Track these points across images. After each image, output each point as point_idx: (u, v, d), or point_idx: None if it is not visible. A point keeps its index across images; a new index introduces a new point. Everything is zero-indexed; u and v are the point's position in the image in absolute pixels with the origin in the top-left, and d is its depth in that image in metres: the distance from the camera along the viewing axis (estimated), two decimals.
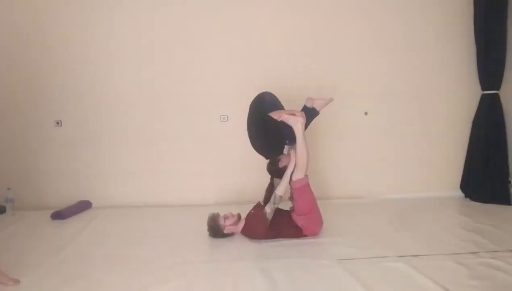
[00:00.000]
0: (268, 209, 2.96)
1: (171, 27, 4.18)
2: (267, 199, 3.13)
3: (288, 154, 3.15)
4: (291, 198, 3.12)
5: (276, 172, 3.15)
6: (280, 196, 2.98)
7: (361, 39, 4.29)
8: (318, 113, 3.33)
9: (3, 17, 4.12)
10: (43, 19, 4.13)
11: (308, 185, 3.06)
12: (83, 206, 4.06)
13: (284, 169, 3.07)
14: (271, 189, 3.16)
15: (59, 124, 4.20)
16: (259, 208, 3.11)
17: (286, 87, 4.16)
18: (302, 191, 3.02)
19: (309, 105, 3.31)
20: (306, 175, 3.05)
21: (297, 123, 2.99)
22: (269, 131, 3.08)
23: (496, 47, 4.10)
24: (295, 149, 3.05)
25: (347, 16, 4.27)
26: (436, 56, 4.33)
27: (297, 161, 3.02)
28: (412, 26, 4.30)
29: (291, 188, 3.07)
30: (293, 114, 3.01)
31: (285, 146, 3.20)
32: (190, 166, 4.28)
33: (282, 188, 3.01)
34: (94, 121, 4.22)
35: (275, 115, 3.04)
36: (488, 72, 4.17)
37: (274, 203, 2.97)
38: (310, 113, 3.26)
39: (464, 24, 4.27)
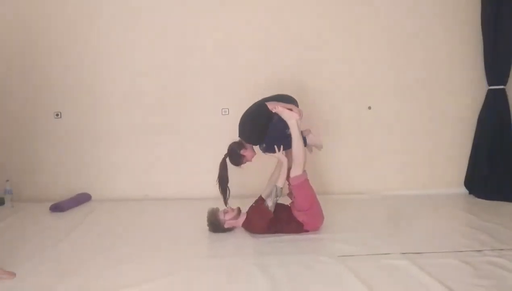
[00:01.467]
0: (270, 202, 2.94)
1: (171, 20, 4.12)
2: (221, 177, 3.06)
3: (252, 150, 3.09)
4: (290, 194, 3.08)
5: (233, 154, 3.07)
6: (281, 188, 2.96)
7: (365, 34, 4.21)
8: (305, 145, 3.18)
9: (3, 9, 4.07)
10: (43, 12, 4.08)
11: (306, 180, 3.01)
12: (82, 198, 4.03)
13: (242, 158, 3.04)
14: (224, 163, 3.08)
15: (59, 116, 4.17)
16: (260, 201, 3.08)
17: (289, 80, 4.12)
18: (301, 187, 2.97)
19: (304, 135, 3.18)
20: (304, 171, 3.00)
21: (291, 118, 2.94)
22: (260, 118, 3.02)
23: (503, 42, 4.03)
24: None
25: (351, 10, 4.19)
26: (441, 50, 4.24)
27: (294, 157, 2.98)
28: (417, 20, 4.21)
29: (289, 185, 3.02)
30: (290, 109, 2.96)
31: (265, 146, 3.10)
32: (191, 159, 4.24)
33: (281, 180, 2.98)
34: (94, 114, 4.18)
35: (271, 105, 2.98)
36: (495, 67, 4.09)
37: (276, 196, 2.94)
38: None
39: (471, 18, 4.19)
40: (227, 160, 3.10)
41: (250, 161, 3.13)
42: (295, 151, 2.97)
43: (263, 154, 3.12)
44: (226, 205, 3.11)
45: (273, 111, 2.98)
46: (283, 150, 3.05)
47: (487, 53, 4.12)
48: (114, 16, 4.12)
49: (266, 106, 3.01)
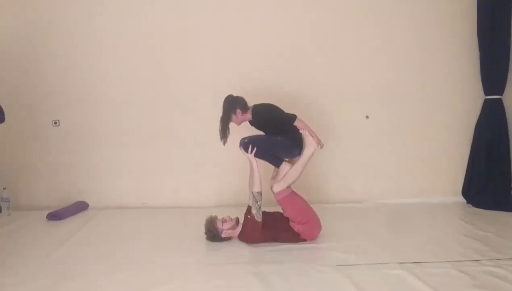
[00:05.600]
0: (254, 210, 2.92)
1: (170, 27, 4.14)
2: (224, 114, 3.15)
3: (244, 119, 3.18)
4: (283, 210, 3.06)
5: (233, 103, 3.15)
6: (257, 192, 2.94)
7: (364, 42, 4.24)
8: (277, 166, 3.23)
9: (2, 18, 4.10)
10: (42, 20, 4.11)
11: (290, 194, 2.99)
12: (80, 206, 4.02)
13: (233, 113, 3.13)
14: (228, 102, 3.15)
15: (57, 124, 4.17)
16: (249, 212, 3.06)
17: (287, 89, 4.14)
18: (286, 201, 2.96)
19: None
20: (288, 186, 3.00)
21: (310, 146, 3.03)
22: (281, 119, 3.10)
23: (499, 52, 4.07)
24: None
25: (349, 19, 4.23)
26: (439, 60, 4.28)
27: (287, 174, 3.00)
28: (415, 30, 4.25)
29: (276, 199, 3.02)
30: (312, 136, 3.05)
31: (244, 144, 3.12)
32: (190, 167, 4.24)
33: (255, 184, 2.97)
34: (92, 123, 4.19)
35: (300, 124, 3.08)
36: (492, 77, 4.12)
37: (256, 201, 2.92)
38: (276, 160, 3.22)
39: (468, 29, 4.23)
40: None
41: (235, 123, 3.20)
42: (292, 172, 2.99)
43: (238, 147, 3.13)
44: (224, 144, 3.15)
45: (300, 131, 3.08)
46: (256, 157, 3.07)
47: (483, 63, 4.15)
48: (111, 24, 4.14)
49: (293, 119, 3.07)
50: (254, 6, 4.18)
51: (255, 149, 3.02)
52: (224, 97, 3.21)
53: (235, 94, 3.24)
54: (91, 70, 4.17)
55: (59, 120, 4.17)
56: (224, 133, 3.16)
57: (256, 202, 2.92)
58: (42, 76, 4.15)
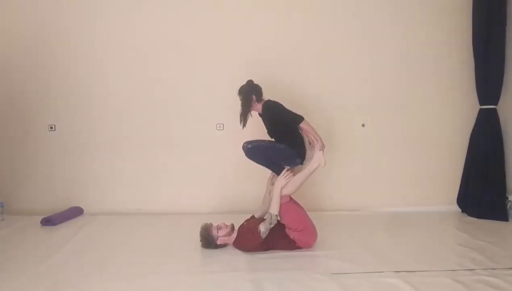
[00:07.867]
0: (263, 228, 2.90)
1: (168, 34, 4.16)
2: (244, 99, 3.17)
3: (257, 109, 3.21)
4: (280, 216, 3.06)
5: (250, 91, 3.20)
6: (276, 215, 2.93)
7: (359, 52, 4.27)
8: (277, 174, 3.20)
9: (1, 23, 4.11)
10: (39, 26, 4.12)
11: (288, 202, 2.99)
12: (74, 212, 4.00)
13: (251, 99, 3.19)
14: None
15: (53, 129, 4.16)
16: (252, 222, 3.04)
17: (284, 97, 4.14)
18: (284, 208, 2.96)
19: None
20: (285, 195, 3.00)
21: (316, 161, 3.10)
22: (288, 118, 3.17)
23: (494, 62, 4.09)
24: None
25: (345, 30, 4.26)
26: (434, 70, 4.32)
27: (287, 184, 2.99)
28: (411, 40, 4.29)
29: None
30: (321, 150, 3.12)
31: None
32: (185, 174, 4.23)
33: (275, 207, 2.94)
34: (87, 127, 4.19)
35: (307, 126, 3.15)
36: (486, 87, 4.15)
37: (270, 223, 2.91)
38: (277, 167, 3.22)
39: (463, 39, 4.27)
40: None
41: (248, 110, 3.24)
42: (292, 182, 3.00)
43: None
44: (243, 128, 3.17)
45: (311, 136, 3.15)
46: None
47: (478, 74, 4.18)
48: (110, 31, 4.15)
49: (300, 120, 3.13)
50: (251, 17, 4.20)
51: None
52: (245, 82, 3.27)
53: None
54: (89, 76, 4.17)
55: (55, 125, 4.16)
56: (245, 116, 3.19)
57: (270, 224, 2.91)
58: (38, 80, 4.15)
